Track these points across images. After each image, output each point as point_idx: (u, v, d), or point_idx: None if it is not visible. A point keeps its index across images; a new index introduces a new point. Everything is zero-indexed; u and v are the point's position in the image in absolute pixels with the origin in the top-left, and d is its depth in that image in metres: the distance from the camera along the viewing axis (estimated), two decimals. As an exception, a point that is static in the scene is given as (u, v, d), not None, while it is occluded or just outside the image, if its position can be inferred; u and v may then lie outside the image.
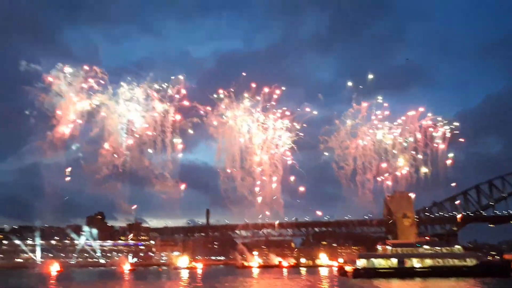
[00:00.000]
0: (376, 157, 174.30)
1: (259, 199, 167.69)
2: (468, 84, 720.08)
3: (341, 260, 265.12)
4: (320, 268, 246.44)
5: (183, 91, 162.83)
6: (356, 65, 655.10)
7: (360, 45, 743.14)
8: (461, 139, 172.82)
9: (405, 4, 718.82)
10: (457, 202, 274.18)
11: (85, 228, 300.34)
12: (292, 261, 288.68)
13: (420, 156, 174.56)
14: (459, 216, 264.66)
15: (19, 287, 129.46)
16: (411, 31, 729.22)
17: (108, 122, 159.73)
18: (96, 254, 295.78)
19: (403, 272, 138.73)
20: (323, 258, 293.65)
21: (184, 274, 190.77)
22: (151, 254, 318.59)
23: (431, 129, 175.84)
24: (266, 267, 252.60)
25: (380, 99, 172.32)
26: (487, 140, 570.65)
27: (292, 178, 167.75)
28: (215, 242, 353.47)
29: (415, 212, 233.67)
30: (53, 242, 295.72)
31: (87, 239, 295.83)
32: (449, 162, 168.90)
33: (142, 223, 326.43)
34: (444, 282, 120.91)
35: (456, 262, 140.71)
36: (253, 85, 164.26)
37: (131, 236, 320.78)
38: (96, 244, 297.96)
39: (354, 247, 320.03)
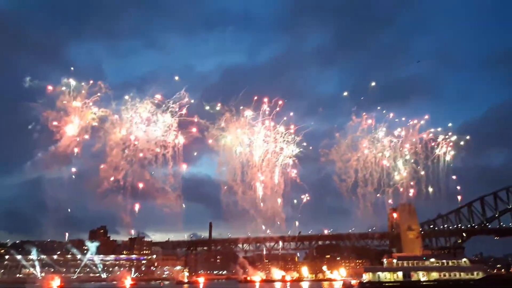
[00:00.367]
0: (377, 169, 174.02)
1: (261, 212, 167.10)
2: (471, 96, 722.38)
3: (343, 274, 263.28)
4: (324, 283, 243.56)
5: (186, 106, 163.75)
6: (359, 78, 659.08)
7: (363, 58, 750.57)
8: (464, 150, 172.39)
9: (408, 17, 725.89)
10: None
11: (88, 243, 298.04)
12: (296, 275, 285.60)
13: (420, 168, 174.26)
14: (463, 228, 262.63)
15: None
16: (414, 44, 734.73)
17: (111, 137, 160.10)
18: (98, 269, 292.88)
19: (409, 286, 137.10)
20: (333, 272, 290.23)
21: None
22: (153, 268, 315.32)
23: (432, 141, 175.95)
24: (268, 282, 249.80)
25: (383, 112, 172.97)
26: (491, 151, 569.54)
27: (294, 191, 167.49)
28: (217, 256, 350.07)
29: (420, 224, 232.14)
30: (54, 256, 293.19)
31: (90, 254, 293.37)
32: (453, 177, 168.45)
33: (144, 237, 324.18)
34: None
35: (463, 275, 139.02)
36: (255, 98, 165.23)
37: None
38: (98, 258, 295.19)
39: (358, 261, 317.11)
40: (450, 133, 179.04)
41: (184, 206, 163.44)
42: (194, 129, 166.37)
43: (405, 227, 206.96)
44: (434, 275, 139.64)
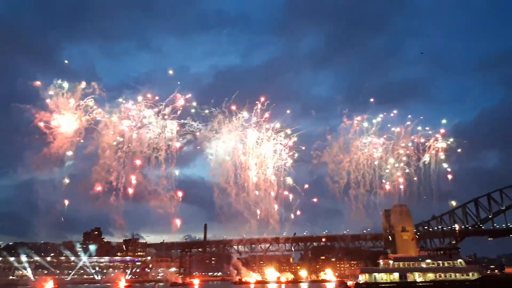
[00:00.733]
0: (370, 171, 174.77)
1: (255, 214, 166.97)
2: (463, 98, 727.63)
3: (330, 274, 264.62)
4: (321, 284, 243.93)
5: (179, 107, 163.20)
6: (352, 80, 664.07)
7: (356, 61, 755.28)
8: (457, 152, 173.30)
9: (400, 21, 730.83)
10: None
11: (78, 246, 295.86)
12: (291, 276, 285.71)
13: (412, 170, 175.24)
14: (457, 228, 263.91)
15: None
16: (406, 47, 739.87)
17: (104, 138, 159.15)
18: (90, 270, 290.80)
19: (405, 287, 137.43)
20: (328, 273, 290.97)
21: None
22: (148, 270, 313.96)
23: (424, 143, 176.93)
24: (263, 283, 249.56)
25: (375, 114, 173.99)
26: (484, 153, 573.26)
27: (287, 192, 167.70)
28: (212, 258, 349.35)
29: (414, 226, 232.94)
30: (48, 258, 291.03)
31: (83, 256, 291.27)
32: (449, 177, 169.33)
33: (139, 238, 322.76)
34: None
35: (459, 276, 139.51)
36: (249, 100, 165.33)
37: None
38: (92, 260, 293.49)
39: (353, 262, 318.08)
40: (442, 136, 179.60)
41: (179, 207, 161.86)
42: (187, 131, 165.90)
43: (399, 228, 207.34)
44: (430, 276, 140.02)
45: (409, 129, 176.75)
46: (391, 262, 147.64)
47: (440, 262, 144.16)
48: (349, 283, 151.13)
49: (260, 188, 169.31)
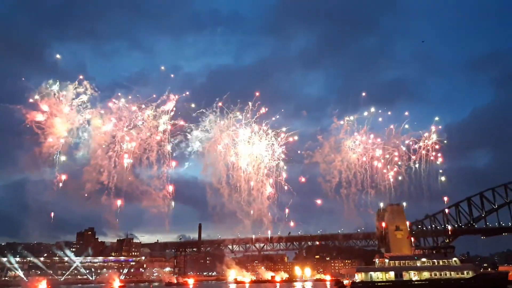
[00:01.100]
0: (361, 171, 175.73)
1: (248, 214, 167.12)
2: (454, 98, 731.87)
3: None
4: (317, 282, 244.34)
5: (171, 107, 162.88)
6: (343, 81, 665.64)
7: (347, 61, 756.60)
8: (448, 152, 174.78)
9: (391, 21, 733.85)
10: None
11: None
12: (285, 275, 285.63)
13: (404, 170, 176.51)
14: (450, 227, 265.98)
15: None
16: (397, 47, 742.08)
17: (95, 139, 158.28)
18: (83, 270, 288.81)
19: (400, 285, 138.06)
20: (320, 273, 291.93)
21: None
22: (142, 270, 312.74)
23: (415, 143, 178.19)
24: (258, 282, 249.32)
25: (366, 114, 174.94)
26: (475, 153, 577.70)
27: (279, 192, 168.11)
28: (207, 257, 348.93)
29: (408, 225, 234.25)
30: (41, 259, 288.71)
31: (73, 256, 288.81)
32: (441, 177, 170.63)
33: (133, 238, 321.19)
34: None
35: (454, 274, 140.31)
36: (239, 100, 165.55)
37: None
38: (86, 260, 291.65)
39: (347, 261, 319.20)
40: (434, 135, 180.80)
41: (172, 207, 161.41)
42: (179, 130, 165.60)
43: (393, 227, 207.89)
44: (425, 274, 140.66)
45: (400, 129, 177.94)
46: (386, 261, 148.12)
47: (435, 260, 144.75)
48: (346, 282, 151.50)
49: (253, 188, 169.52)
